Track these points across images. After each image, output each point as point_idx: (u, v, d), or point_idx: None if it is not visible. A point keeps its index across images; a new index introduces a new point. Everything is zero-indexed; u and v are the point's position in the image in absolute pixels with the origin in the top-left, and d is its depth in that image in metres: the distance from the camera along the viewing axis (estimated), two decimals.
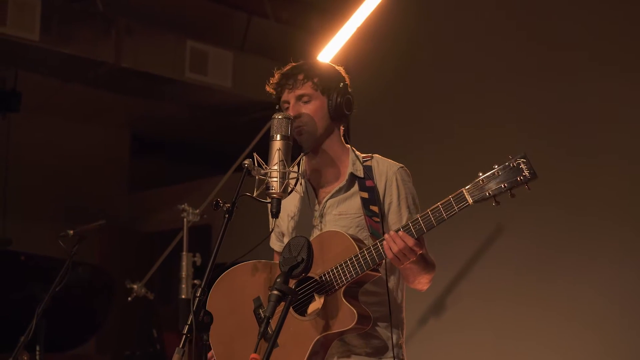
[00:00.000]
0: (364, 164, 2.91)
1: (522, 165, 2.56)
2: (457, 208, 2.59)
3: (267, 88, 2.97)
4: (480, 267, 5.95)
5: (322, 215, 2.90)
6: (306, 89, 2.88)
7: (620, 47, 5.55)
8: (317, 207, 2.92)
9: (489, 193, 2.58)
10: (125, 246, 8.71)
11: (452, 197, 2.60)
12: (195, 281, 4.94)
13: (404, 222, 2.76)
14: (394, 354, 2.82)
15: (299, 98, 2.88)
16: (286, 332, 2.58)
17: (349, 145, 2.98)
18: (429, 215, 2.61)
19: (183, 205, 4.99)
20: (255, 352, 2.46)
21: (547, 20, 5.86)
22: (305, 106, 2.88)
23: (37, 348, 4.93)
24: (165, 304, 8.30)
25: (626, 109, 5.43)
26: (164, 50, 7.10)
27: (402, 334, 2.90)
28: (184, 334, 2.52)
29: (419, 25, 6.47)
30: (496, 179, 2.58)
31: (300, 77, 2.88)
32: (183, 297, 4.94)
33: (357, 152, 2.96)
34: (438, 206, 2.61)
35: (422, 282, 2.85)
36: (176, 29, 7.20)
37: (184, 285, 4.96)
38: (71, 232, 3.78)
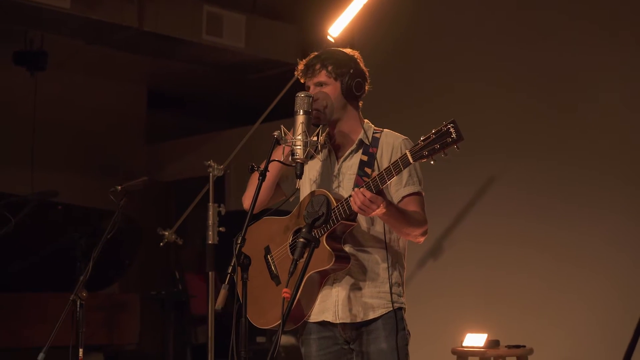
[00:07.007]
0: (373, 135, 3.37)
1: (451, 129, 2.92)
2: (403, 167, 3.04)
3: (296, 74, 3.44)
4: (474, 213, 6.27)
5: (339, 175, 3.37)
6: (321, 76, 3.33)
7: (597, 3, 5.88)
8: (335, 168, 3.40)
9: (426, 153, 2.95)
10: (144, 194, 9.07)
11: (399, 159, 3.04)
12: (221, 228, 5.26)
13: (403, 184, 3.28)
14: (391, 290, 3.29)
15: (317, 84, 3.35)
16: (286, 270, 3.08)
17: (365, 120, 3.44)
18: (384, 174, 3.06)
19: (209, 162, 5.30)
20: (286, 287, 2.99)
21: None
22: (322, 90, 3.34)
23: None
24: (184, 248, 8.80)
25: (616, 62, 5.70)
26: (183, 15, 7.38)
27: (401, 274, 3.37)
28: (229, 272, 2.98)
29: None
30: (431, 141, 2.95)
31: (317, 66, 3.34)
32: (210, 242, 5.24)
33: (371, 125, 3.43)
34: (389, 167, 3.05)
35: (412, 235, 3.27)
36: None
37: (210, 232, 5.25)
38: (119, 187, 4.20)
